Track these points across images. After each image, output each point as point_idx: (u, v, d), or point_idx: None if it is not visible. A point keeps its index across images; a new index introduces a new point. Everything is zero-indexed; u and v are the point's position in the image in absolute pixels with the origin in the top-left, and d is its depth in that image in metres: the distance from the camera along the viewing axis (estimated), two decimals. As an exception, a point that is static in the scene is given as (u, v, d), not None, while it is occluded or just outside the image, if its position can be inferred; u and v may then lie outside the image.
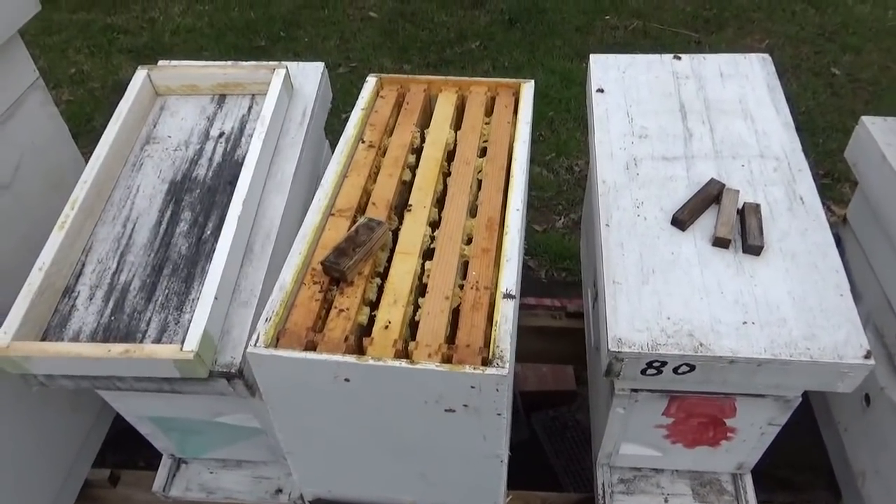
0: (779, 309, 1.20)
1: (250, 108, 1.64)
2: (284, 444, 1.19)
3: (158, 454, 1.66)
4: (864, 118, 1.57)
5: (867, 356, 1.12)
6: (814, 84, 3.46)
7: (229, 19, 4.02)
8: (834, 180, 2.98)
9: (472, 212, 1.25)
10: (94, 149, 1.47)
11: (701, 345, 1.16)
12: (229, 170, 1.50)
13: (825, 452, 1.77)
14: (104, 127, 1.52)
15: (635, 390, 1.32)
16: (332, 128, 1.78)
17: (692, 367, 1.18)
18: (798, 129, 1.53)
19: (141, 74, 1.63)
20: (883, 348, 1.51)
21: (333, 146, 1.39)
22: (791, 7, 3.98)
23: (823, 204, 1.38)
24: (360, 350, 1.04)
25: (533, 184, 3.01)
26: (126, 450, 1.95)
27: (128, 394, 1.36)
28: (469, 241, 1.19)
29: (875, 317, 1.56)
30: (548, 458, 2.19)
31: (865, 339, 1.14)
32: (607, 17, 3.97)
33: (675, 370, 1.19)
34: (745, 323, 1.18)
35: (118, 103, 1.57)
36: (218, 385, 1.25)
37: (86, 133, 3.11)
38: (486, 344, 1.01)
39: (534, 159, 3.11)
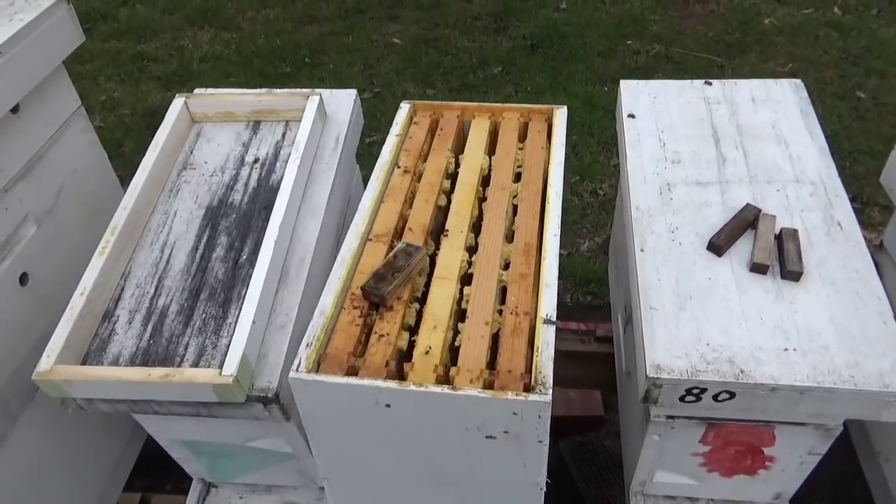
0: (820, 336, 1.18)
1: (284, 134, 1.67)
2: (322, 470, 1.19)
3: (186, 478, 1.66)
4: (899, 143, 1.56)
5: (913, 384, 1.10)
6: (839, 108, 3.45)
7: (256, 47, 4.10)
8: (863, 204, 2.95)
9: (509, 237, 1.26)
10: (125, 173, 1.51)
11: (742, 372, 1.15)
12: (264, 195, 1.52)
13: (866, 481, 1.73)
14: (134, 152, 1.56)
15: (671, 417, 1.30)
16: (357, 151, 1.80)
17: (732, 395, 1.16)
18: (825, 153, 1.52)
19: (178, 102, 1.66)
20: (924, 376, 1.47)
21: (360, 170, 1.41)
22: (814, 31, 3.97)
23: (853, 228, 1.37)
24: (400, 375, 1.04)
25: (557, 207, 3.01)
26: (154, 474, 1.96)
27: (163, 417, 1.36)
28: (507, 267, 1.19)
29: (915, 343, 1.53)
30: (576, 485, 2.16)
31: (911, 366, 1.13)
32: (629, 41, 3.99)
33: (715, 397, 1.17)
34: (786, 350, 1.17)
35: (148, 129, 1.61)
36: (254, 409, 1.26)
37: (116, 157, 3.15)
38: (528, 370, 1.01)
39: (558, 183, 3.12)
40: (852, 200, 2.96)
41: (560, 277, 2.79)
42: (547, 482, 1.13)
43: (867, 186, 3.00)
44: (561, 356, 2.11)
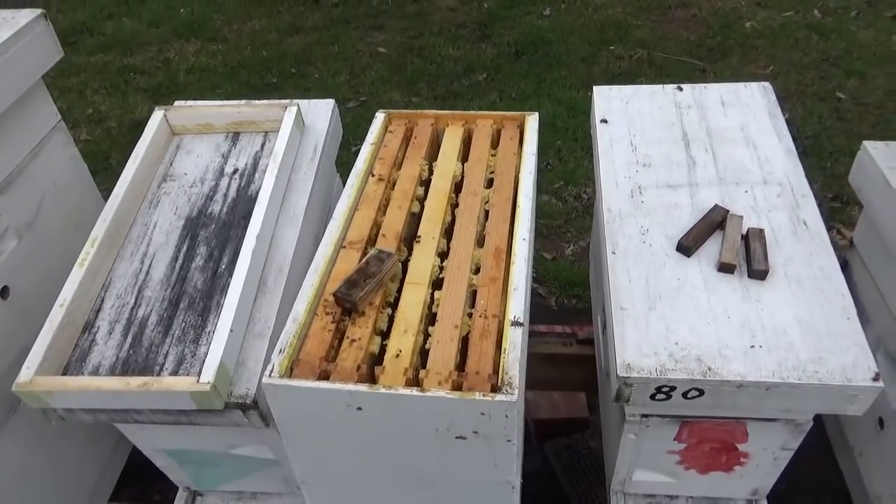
0: (786, 333, 1.21)
1: (263, 144, 1.69)
2: (299, 474, 1.21)
3: (173, 487, 1.67)
4: (866, 143, 1.59)
5: (876, 378, 1.13)
6: (819, 109, 3.49)
7: (242, 58, 4.13)
8: (843, 203, 2.99)
9: (480, 242, 1.28)
10: (111, 186, 1.52)
11: (709, 369, 1.17)
12: (243, 205, 1.54)
13: (843, 477, 1.76)
14: (121, 164, 1.57)
15: (646, 416, 1.33)
16: (343, 160, 1.83)
17: (701, 392, 1.19)
18: (805, 154, 1.55)
19: (158, 115, 1.68)
20: (895, 371, 1.50)
21: (344, 179, 1.43)
22: (795, 34, 4.03)
23: (833, 227, 1.40)
24: (371, 379, 1.06)
25: (542, 212, 3.04)
26: (141, 483, 1.97)
27: (145, 427, 1.38)
28: (477, 271, 1.22)
29: (885, 340, 1.56)
30: (562, 487, 2.18)
31: (874, 361, 1.15)
32: (612, 47, 4.04)
33: (685, 395, 1.20)
34: (752, 347, 1.19)
35: (135, 141, 1.62)
36: (233, 416, 1.27)
37: (103, 170, 3.19)
38: (496, 371, 1.03)
39: (542, 188, 3.15)
40: (833, 200, 3.02)
41: (544, 282, 2.83)
42: (522, 483, 1.15)
43: (848, 186, 3.03)
44: (544, 359, 2.15)
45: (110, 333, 1.35)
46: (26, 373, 1.23)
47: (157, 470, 1.58)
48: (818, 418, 1.28)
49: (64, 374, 1.29)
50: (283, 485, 1.56)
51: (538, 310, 2.64)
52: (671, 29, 4.18)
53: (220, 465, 1.53)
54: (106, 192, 1.89)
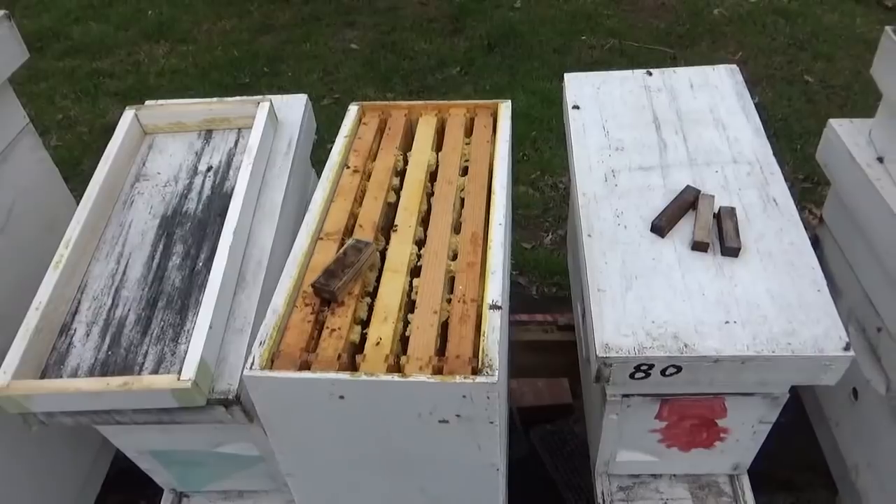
0: (759, 307, 1.23)
1: (237, 141, 1.68)
2: (284, 467, 1.21)
3: (159, 491, 1.66)
4: (831, 120, 1.62)
5: (846, 348, 1.16)
6: (788, 92, 3.54)
7: (213, 58, 4.09)
8: (814, 184, 3.04)
9: (457, 229, 1.29)
10: (84, 191, 1.51)
11: (686, 346, 1.19)
12: (219, 202, 1.54)
13: (822, 451, 1.80)
14: (93, 169, 1.55)
15: (626, 395, 1.34)
16: (319, 158, 1.82)
17: (679, 369, 1.21)
18: (776, 136, 1.58)
19: (128, 115, 1.67)
20: (866, 342, 1.54)
21: (320, 175, 1.43)
22: (762, 19, 4.08)
23: (804, 207, 1.42)
24: (353, 367, 1.07)
25: (519, 202, 3.06)
26: (126, 489, 1.95)
27: (127, 428, 1.37)
28: (455, 257, 1.22)
29: (856, 312, 1.59)
30: (548, 473, 2.20)
31: (844, 331, 1.18)
32: (583, 37, 4.06)
33: (663, 372, 1.22)
34: (727, 322, 1.21)
35: (106, 145, 1.60)
36: (216, 413, 1.27)
37: (75, 176, 3.14)
38: (476, 354, 1.04)
39: (519, 178, 3.17)
40: (804, 180, 3.06)
41: (524, 271, 2.85)
42: (508, 469, 1.16)
43: (818, 167, 3.08)
44: (526, 346, 2.17)
45: (88, 335, 1.33)
46: (3, 377, 1.22)
47: (144, 475, 1.57)
48: (796, 396, 1.31)
49: (42, 377, 1.28)
50: (269, 482, 1.56)
51: (519, 299, 2.66)
52: (641, 18, 4.21)
53: (205, 465, 1.52)
54: (79, 197, 1.87)
